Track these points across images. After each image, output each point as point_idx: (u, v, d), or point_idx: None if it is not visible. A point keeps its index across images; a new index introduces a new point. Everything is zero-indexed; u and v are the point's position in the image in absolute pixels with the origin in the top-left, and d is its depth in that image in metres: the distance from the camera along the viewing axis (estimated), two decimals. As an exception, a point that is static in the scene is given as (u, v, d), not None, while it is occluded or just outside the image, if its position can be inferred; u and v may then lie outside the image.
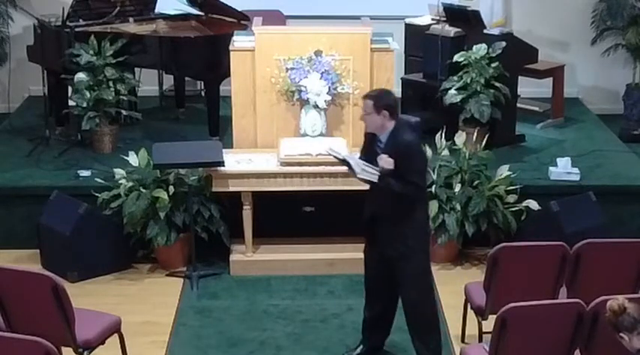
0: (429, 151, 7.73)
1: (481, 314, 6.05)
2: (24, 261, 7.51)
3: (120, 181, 7.43)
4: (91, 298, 6.82)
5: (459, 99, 8.16)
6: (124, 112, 8.48)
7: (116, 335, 5.83)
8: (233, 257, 7.49)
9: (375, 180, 5.82)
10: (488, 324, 5.55)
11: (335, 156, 6.06)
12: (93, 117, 8.22)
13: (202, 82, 9.67)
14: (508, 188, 7.56)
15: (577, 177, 7.88)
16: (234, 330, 6.65)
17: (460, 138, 7.73)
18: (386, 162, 5.76)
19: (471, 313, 6.26)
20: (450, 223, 7.36)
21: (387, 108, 5.86)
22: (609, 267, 5.84)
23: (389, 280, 6.08)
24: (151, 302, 7.04)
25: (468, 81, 8.15)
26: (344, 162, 5.97)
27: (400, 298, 6.13)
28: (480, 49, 8.19)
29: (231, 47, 7.61)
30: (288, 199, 7.35)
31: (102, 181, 7.59)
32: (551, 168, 7.95)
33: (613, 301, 4.46)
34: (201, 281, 7.29)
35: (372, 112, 5.86)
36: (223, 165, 7.15)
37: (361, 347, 6.36)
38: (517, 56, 8.48)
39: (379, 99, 5.88)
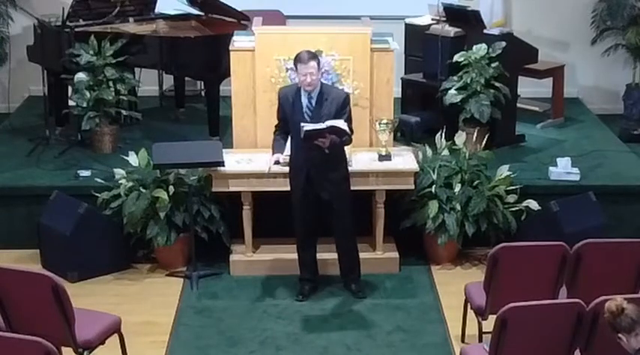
0: (428, 151, 7.75)
1: (481, 314, 6.05)
2: (24, 260, 7.51)
3: (120, 181, 7.43)
4: (91, 298, 6.83)
5: (459, 99, 8.15)
6: (124, 112, 8.48)
7: (116, 335, 5.83)
8: (233, 257, 7.49)
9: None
10: (489, 324, 5.55)
11: (316, 130, 6.43)
12: (93, 117, 8.22)
13: (202, 82, 9.67)
14: (508, 188, 7.55)
15: (577, 177, 7.88)
16: (234, 330, 6.65)
17: (460, 138, 7.72)
18: (343, 124, 6.48)
19: (471, 313, 6.26)
20: (450, 223, 7.36)
21: (320, 65, 6.64)
22: (609, 267, 5.83)
23: (320, 220, 6.85)
24: (150, 302, 7.04)
25: (468, 81, 8.15)
26: (328, 129, 6.43)
27: (337, 236, 6.92)
28: (480, 49, 8.18)
29: (231, 47, 7.61)
30: (288, 199, 7.34)
31: (102, 181, 7.59)
32: (551, 168, 7.95)
33: (611, 302, 4.46)
34: (201, 281, 7.28)
35: (318, 73, 6.58)
36: (223, 165, 7.15)
37: (307, 287, 7.04)
38: (517, 56, 8.48)
39: (319, 59, 6.63)
